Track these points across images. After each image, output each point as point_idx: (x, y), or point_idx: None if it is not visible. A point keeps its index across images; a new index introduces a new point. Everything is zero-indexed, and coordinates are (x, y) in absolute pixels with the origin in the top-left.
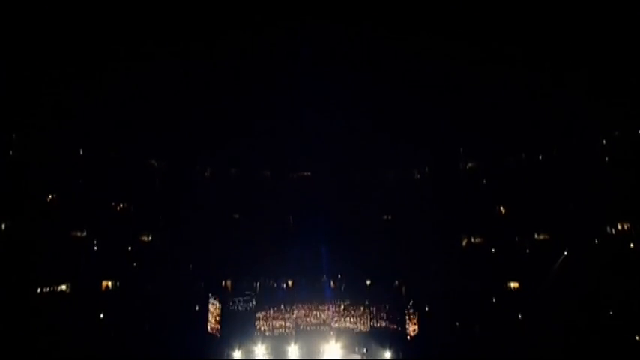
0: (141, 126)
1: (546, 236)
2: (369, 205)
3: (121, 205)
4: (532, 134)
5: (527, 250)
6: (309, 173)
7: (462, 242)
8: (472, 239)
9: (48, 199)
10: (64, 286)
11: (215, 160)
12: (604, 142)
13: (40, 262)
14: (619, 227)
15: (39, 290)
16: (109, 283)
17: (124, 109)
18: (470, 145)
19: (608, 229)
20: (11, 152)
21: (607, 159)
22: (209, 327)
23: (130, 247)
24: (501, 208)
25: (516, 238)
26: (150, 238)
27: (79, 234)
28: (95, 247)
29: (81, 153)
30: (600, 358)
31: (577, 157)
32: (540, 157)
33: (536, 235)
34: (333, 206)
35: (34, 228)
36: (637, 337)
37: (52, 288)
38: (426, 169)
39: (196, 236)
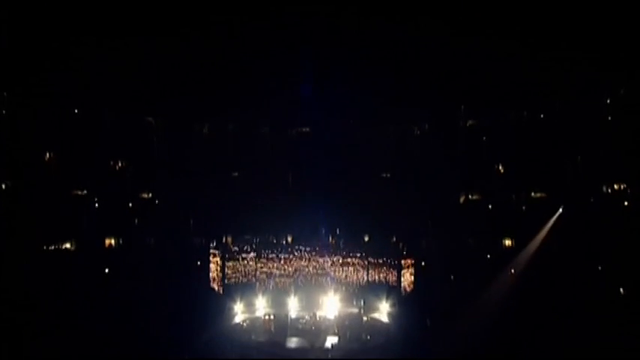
0: (137, 83)
1: (543, 195)
2: (368, 161)
3: (120, 164)
4: (535, 92)
5: (523, 208)
6: (308, 129)
7: (459, 199)
8: (470, 196)
9: (46, 158)
10: (68, 244)
11: (213, 116)
12: (608, 100)
13: (43, 221)
14: (615, 187)
15: (45, 248)
16: (112, 241)
17: (121, 65)
18: (471, 102)
19: (605, 188)
20: (4, 111)
21: (610, 118)
22: (211, 281)
23: (130, 205)
24: (500, 166)
25: (513, 196)
26: (150, 195)
27: (79, 192)
28: (96, 205)
29: (75, 111)
30: (589, 312)
31: (579, 115)
32: (542, 115)
33: (532, 194)
34: (332, 163)
35: (34, 187)
36: (621, 291)
37: (56, 246)
38: (426, 125)
39: (195, 194)
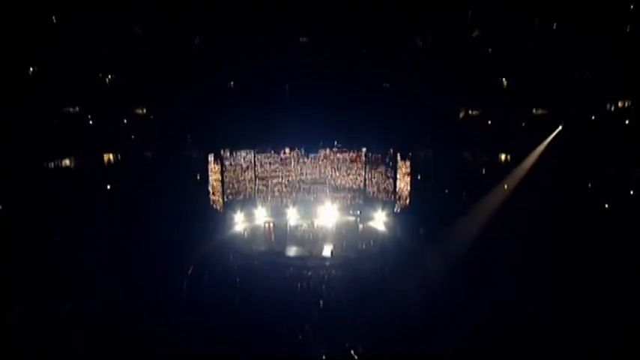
0: None
1: (544, 111)
2: (368, 73)
3: (110, 77)
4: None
5: (523, 124)
6: (305, 39)
7: (459, 113)
8: (470, 111)
9: (30, 73)
10: (67, 161)
11: (205, 26)
12: (632, 6)
13: (37, 138)
14: (620, 104)
15: (45, 165)
16: (111, 157)
17: None
18: (478, 10)
19: (609, 106)
20: None
21: (629, 29)
22: (210, 193)
23: (125, 121)
24: (503, 79)
25: (514, 112)
26: (144, 111)
27: (71, 110)
28: (90, 122)
29: (54, 21)
30: (575, 224)
31: (593, 26)
32: (554, 26)
33: (534, 110)
34: (330, 74)
35: (21, 104)
36: (606, 206)
37: (56, 163)
38: (430, 36)
39: (191, 107)
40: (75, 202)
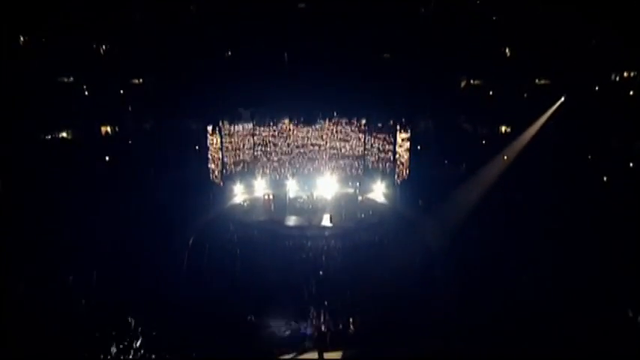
0: None
1: (547, 82)
2: (369, 41)
3: (104, 47)
4: None
5: (525, 95)
6: (303, 5)
7: (460, 83)
8: (472, 81)
9: (21, 42)
10: (64, 134)
11: None
12: None
13: (32, 110)
14: (625, 75)
15: (42, 137)
16: (108, 129)
17: None
18: None
19: (613, 76)
20: None
21: None
22: (210, 164)
23: (121, 91)
24: (507, 49)
25: (517, 82)
26: (141, 80)
27: (65, 80)
28: (86, 93)
29: None
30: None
31: None
32: None
33: (537, 80)
34: (329, 42)
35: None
36: (605, 179)
37: (53, 135)
38: (432, 2)
39: (188, 76)
40: (73, 175)
